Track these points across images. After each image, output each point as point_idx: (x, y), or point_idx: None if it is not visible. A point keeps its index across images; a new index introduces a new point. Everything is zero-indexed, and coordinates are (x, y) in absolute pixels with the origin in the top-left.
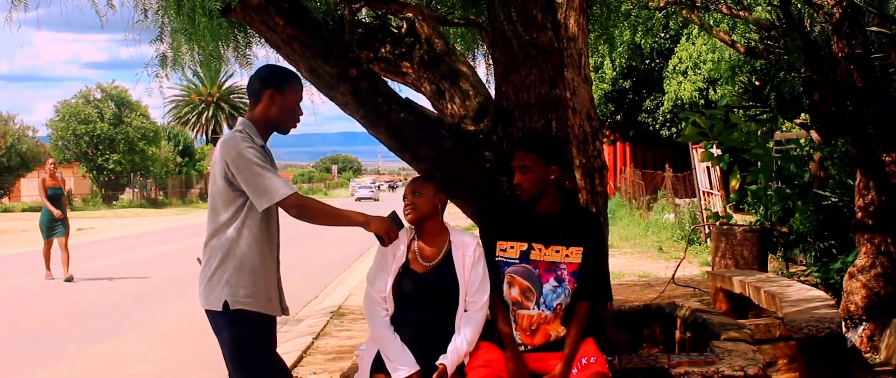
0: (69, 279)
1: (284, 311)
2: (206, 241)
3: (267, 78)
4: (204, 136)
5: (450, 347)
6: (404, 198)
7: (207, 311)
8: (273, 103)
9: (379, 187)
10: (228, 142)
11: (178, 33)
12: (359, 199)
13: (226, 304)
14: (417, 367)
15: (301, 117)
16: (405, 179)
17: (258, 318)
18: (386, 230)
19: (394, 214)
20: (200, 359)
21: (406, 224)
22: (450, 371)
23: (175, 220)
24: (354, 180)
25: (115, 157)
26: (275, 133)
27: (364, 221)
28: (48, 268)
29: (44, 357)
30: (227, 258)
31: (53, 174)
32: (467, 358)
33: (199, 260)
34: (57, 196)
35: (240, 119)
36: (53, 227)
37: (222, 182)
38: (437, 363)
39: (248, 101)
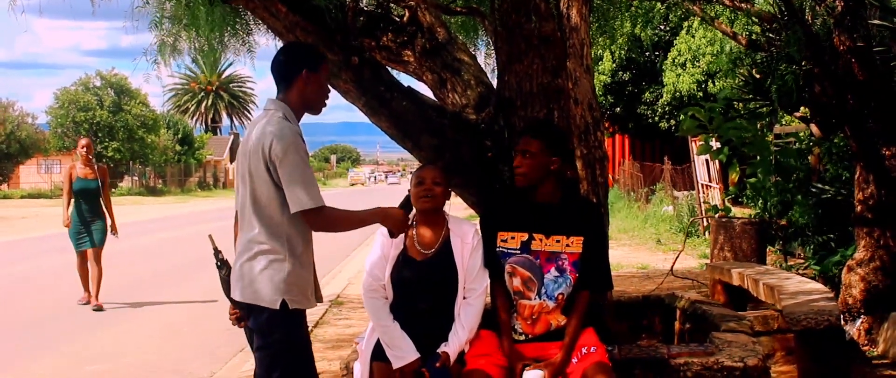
0: (98, 308)
1: (319, 299)
2: (249, 236)
3: (298, 57)
4: (203, 125)
5: (451, 335)
6: (420, 183)
7: (253, 307)
8: (308, 84)
9: (401, 174)
10: (276, 131)
11: (177, 21)
12: (390, 183)
13: (284, 304)
14: (418, 355)
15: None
16: (404, 170)
17: (305, 314)
18: (400, 223)
19: (406, 200)
20: (200, 347)
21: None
22: (452, 358)
23: (174, 209)
24: (353, 170)
25: (114, 144)
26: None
27: (382, 217)
28: (86, 287)
29: (42, 344)
30: (283, 256)
31: (88, 160)
32: (468, 345)
33: (210, 237)
34: (89, 191)
35: (274, 101)
36: (83, 235)
37: (265, 172)
38: (440, 351)
39: (248, 87)
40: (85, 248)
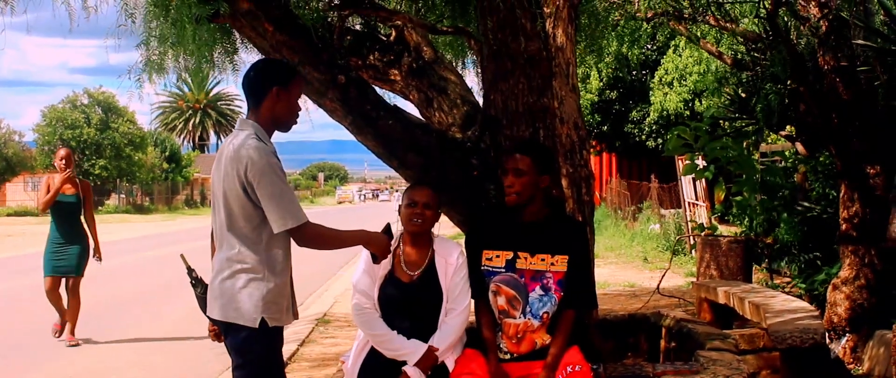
0: (74, 344)
1: (295, 315)
2: (228, 254)
3: (269, 74)
4: (191, 143)
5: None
6: (412, 205)
7: (231, 325)
8: (278, 101)
9: (389, 191)
10: (250, 153)
11: (165, 39)
12: (382, 200)
13: (263, 322)
14: (427, 345)
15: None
16: (391, 188)
17: (281, 331)
18: (384, 249)
19: (387, 228)
20: (187, 364)
21: (395, 231)
22: (411, 374)
23: (161, 227)
24: (341, 188)
25: (101, 162)
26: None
27: (365, 241)
28: (61, 314)
29: (28, 363)
30: (262, 275)
31: (66, 172)
32: (452, 364)
33: (182, 257)
34: (67, 207)
35: (244, 120)
36: (57, 258)
37: (241, 194)
38: (404, 369)
39: (236, 105)
40: (57, 275)
